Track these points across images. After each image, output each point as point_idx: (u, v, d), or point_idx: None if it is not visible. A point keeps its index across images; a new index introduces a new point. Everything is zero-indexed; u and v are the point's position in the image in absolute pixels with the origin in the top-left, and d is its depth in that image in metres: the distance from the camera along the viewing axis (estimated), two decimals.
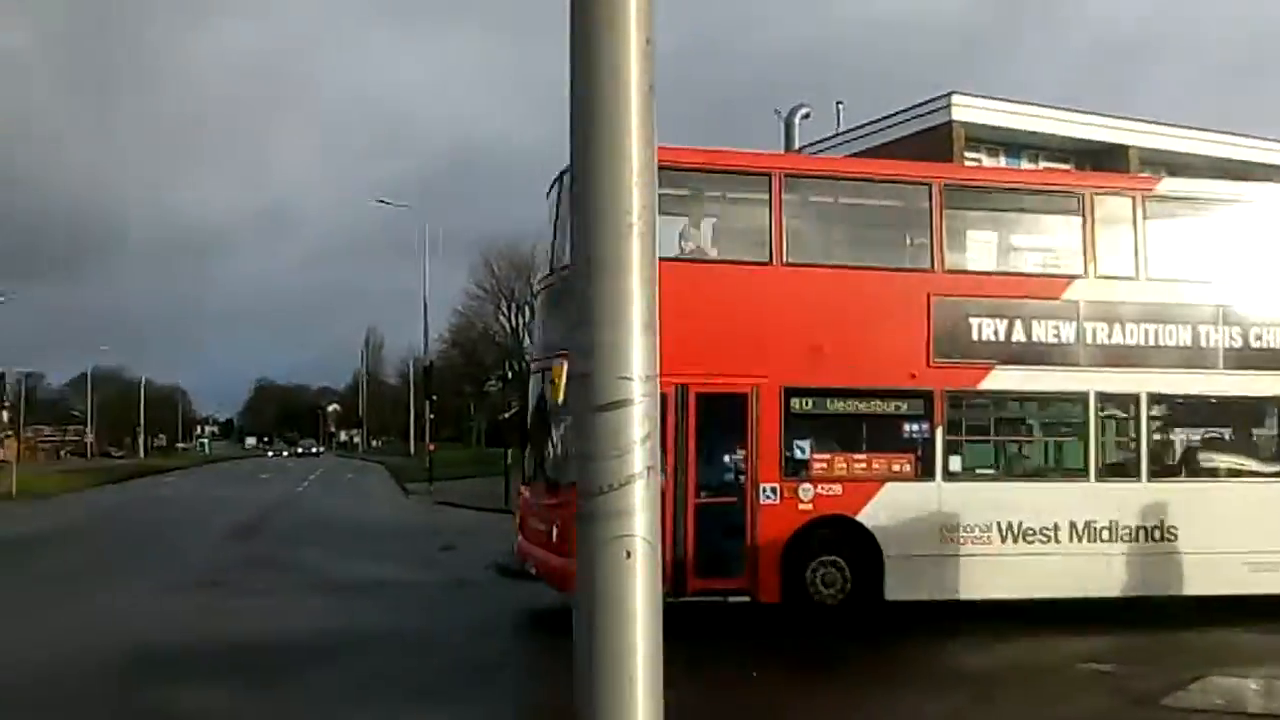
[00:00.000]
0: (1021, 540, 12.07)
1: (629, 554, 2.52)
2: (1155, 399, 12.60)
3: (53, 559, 19.77)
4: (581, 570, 2.55)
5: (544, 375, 12.31)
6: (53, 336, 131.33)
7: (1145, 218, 12.60)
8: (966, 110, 27.69)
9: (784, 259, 11.88)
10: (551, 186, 12.74)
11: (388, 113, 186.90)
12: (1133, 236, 12.57)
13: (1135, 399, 12.46)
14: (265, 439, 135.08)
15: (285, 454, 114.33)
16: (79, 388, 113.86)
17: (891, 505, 11.88)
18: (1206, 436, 13.53)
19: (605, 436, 2.51)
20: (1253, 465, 13.11)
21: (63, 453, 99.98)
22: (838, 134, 31.08)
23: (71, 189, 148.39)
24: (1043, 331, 12.36)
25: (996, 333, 12.26)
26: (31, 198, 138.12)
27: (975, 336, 12.22)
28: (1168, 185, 13.36)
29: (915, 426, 12.17)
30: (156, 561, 19.00)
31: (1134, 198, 12.85)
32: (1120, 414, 12.73)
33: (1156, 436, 12.91)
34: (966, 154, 27.23)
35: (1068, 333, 12.41)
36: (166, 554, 20.27)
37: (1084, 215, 12.55)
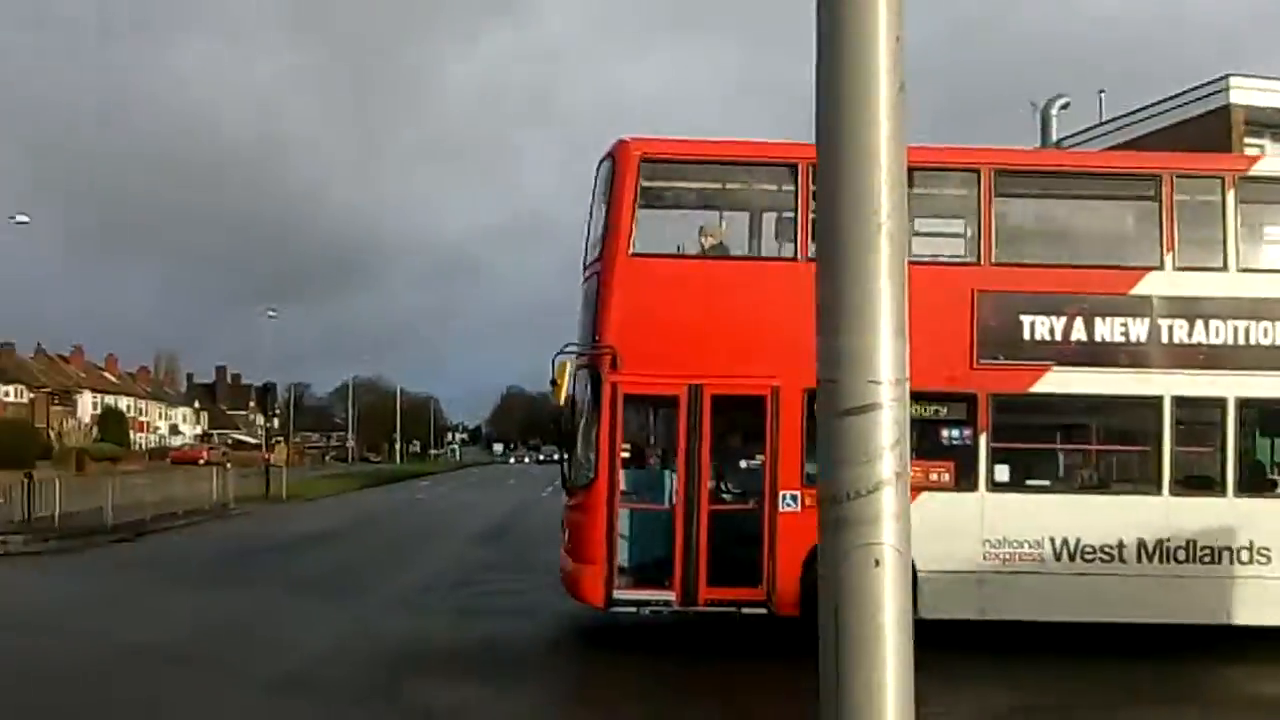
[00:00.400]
0: (1080, 559, 11.16)
1: (877, 562, 2.45)
2: (1246, 404, 11.26)
3: (322, 557, 21.42)
4: (827, 578, 2.50)
5: (574, 371, 12.02)
6: (318, 349, 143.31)
7: (1240, 202, 11.34)
8: (1246, 93, 25.30)
9: (809, 254, 10.81)
10: (601, 163, 11.88)
11: (633, 123, 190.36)
12: (1221, 223, 11.34)
13: (1222, 404, 11.22)
14: (510, 445, 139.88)
15: (528, 460, 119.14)
16: (341, 396, 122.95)
17: (928, 516, 10.35)
18: None
19: (853, 442, 2.46)
20: None
21: (326, 457, 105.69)
22: (1100, 124, 29.18)
23: (336, 209, 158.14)
24: (1108, 329, 11.31)
25: (1053, 331, 11.33)
26: (301, 219, 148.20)
27: (1028, 335, 11.34)
28: (1268, 165, 11.97)
29: (956, 432, 11.41)
30: (415, 561, 20.36)
31: (1223, 179, 11.55)
32: (1203, 421, 11.56)
33: (1247, 446, 11.51)
34: (1247, 140, 25.13)
35: (1139, 330, 11.29)
36: (424, 554, 21.64)
37: (1161, 200, 11.38)
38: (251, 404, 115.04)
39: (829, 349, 2.51)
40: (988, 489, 11.25)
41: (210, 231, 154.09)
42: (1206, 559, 11.04)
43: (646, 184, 11.49)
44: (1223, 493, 11.16)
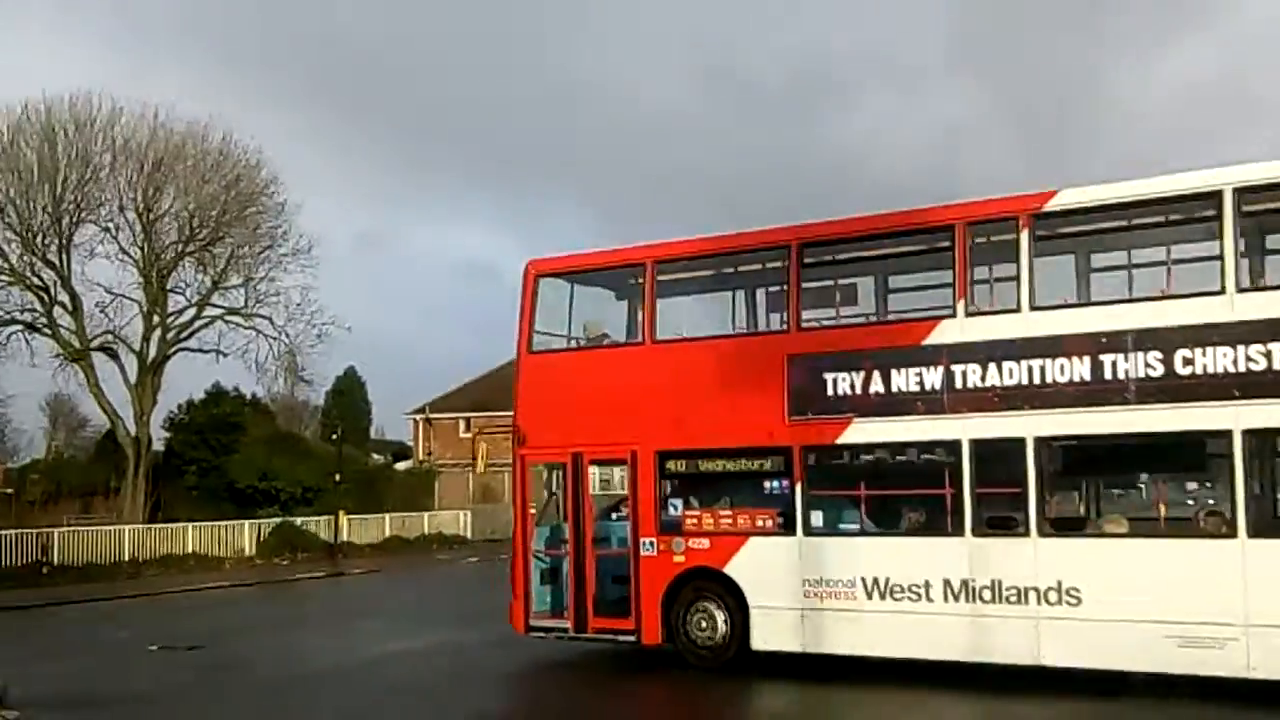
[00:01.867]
0: (889, 598, 11.87)
1: None
2: (1046, 443, 11.34)
3: None
4: None
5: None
6: None
7: (1035, 240, 11.50)
8: None
9: (653, 337, 13.47)
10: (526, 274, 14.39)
11: None
12: (1016, 264, 11.52)
13: (1021, 444, 11.36)
14: None
15: None
16: None
17: (756, 559, 12.63)
18: (1119, 483, 12.59)
19: None
20: (1177, 516, 11.69)
21: None
22: None
23: None
24: (904, 380, 11.96)
25: (853, 385, 12.19)
26: None
27: (831, 391, 12.29)
28: (1066, 198, 11.38)
29: (776, 483, 12.69)
30: None
31: (1018, 219, 11.56)
32: (1004, 462, 11.52)
33: (1050, 485, 11.56)
34: None
35: (933, 378, 11.81)
36: None
37: (955, 249, 11.77)
38: None
39: None
40: (804, 533, 12.39)
41: None
42: (1013, 599, 11.26)
43: (543, 295, 14.26)
44: (1026, 533, 11.28)
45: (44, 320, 37.83)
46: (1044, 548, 11.20)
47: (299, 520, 36.17)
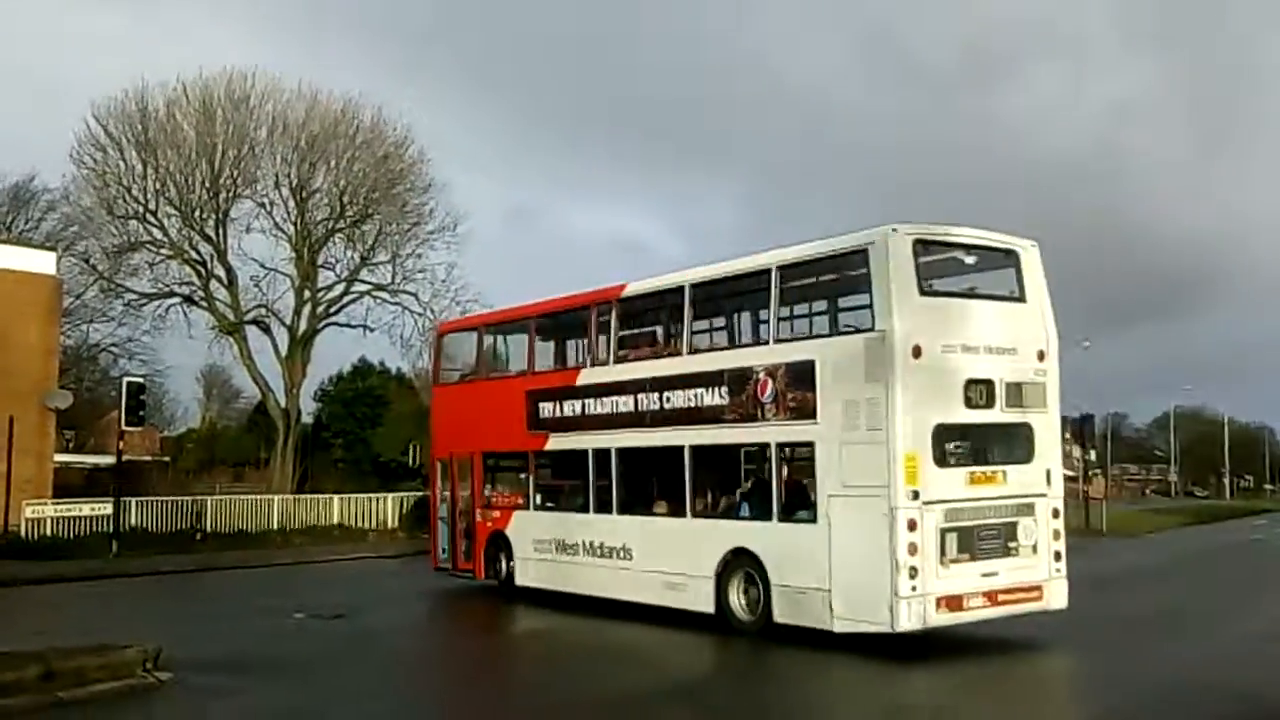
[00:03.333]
0: (567, 553, 17.89)
1: None
2: (621, 452, 16.92)
3: (1146, 594, 21.17)
4: None
5: None
6: (1137, 378, 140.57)
7: (617, 318, 17.18)
8: None
9: (485, 374, 20.32)
10: None
11: None
12: (607, 335, 17.25)
13: (608, 452, 17.09)
14: None
15: None
16: (1161, 427, 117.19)
17: (517, 525, 19.07)
18: (651, 481, 16.79)
19: None
20: (673, 504, 16.15)
21: (1146, 491, 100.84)
22: None
23: (1164, 234, 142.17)
24: (568, 408, 17.85)
25: (550, 411, 18.20)
26: (1126, 247, 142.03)
27: (541, 415, 18.32)
28: (631, 289, 17.09)
29: (523, 475, 19.21)
30: (1252, 607, 19.20)
31: (611, 304, 17.26)
32: (605, 464, 17.18)
33: (626, 480, 17.01)
34: None
35: (576, 407, 17.67)
36: (1263, 600, 20.42)
37: (587, 323, 17.77)
38: (1067, 435, 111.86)
39: None
40: (533, 508, 18.85)
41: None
42: (608, 555, 16.98)
43: (446, 348, 22.53)
44: (610, 512, 17.09)
45: (201, 294, 39.01)
46: (620, 522, 16.85)
47: None
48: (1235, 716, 10.65)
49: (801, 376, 13.90)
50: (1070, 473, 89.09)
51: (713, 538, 15.15)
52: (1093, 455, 54.20)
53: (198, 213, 38.22)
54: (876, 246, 13.29)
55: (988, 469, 13.66)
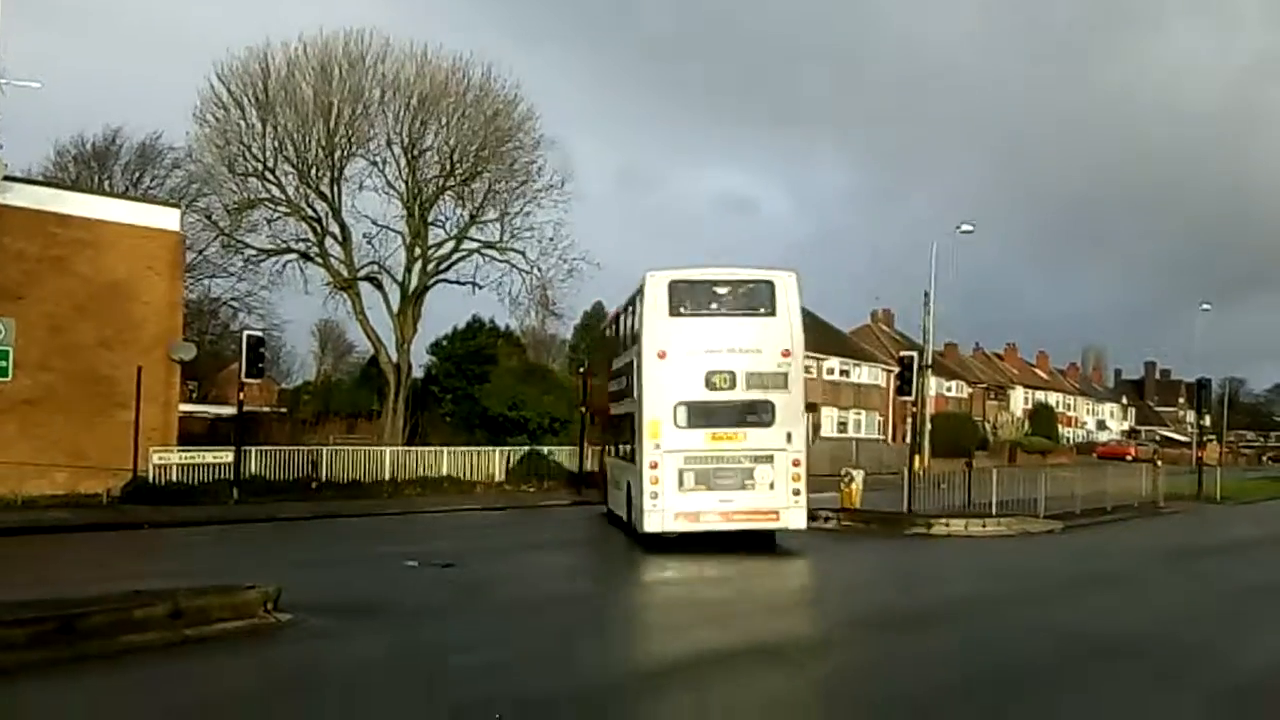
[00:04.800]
0: None
1: None
2: None
3: (1265, 563, 21.75)
4: None
5: None
6: (1255, 344, 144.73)
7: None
8: None
9: None
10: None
11: None
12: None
13: None
14: None
15: None
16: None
17: None
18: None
19: None
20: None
21: (1264, 458, 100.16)
22: None
23: None
24: None
25: None
26: (1259, 209, 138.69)
27: None
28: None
29: None
30: None
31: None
32: None
33: None
34: None
35: None
36: None
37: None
38: (1181, 400, 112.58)
39: None
40: None
41: (1159, 228, 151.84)
42: None
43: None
44: None
45: (316, 250, 39.90)
46: None
47: (546, 449, 37.05)
48: None
49: (624, 372, 22.35)
50: (1183, 438, 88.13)
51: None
52: (1207, 420, 52.79)
53: (314, 171, 38.99)
54: (644, 285, 20.08)
55: (730, 430, 19.42)
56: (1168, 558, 22.16)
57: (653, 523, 19.08)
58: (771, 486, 19.23)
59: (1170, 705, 9.69)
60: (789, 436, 19.47)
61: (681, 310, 19.82)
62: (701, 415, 19.38)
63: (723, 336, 19.71)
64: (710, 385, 19.46)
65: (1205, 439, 47.13)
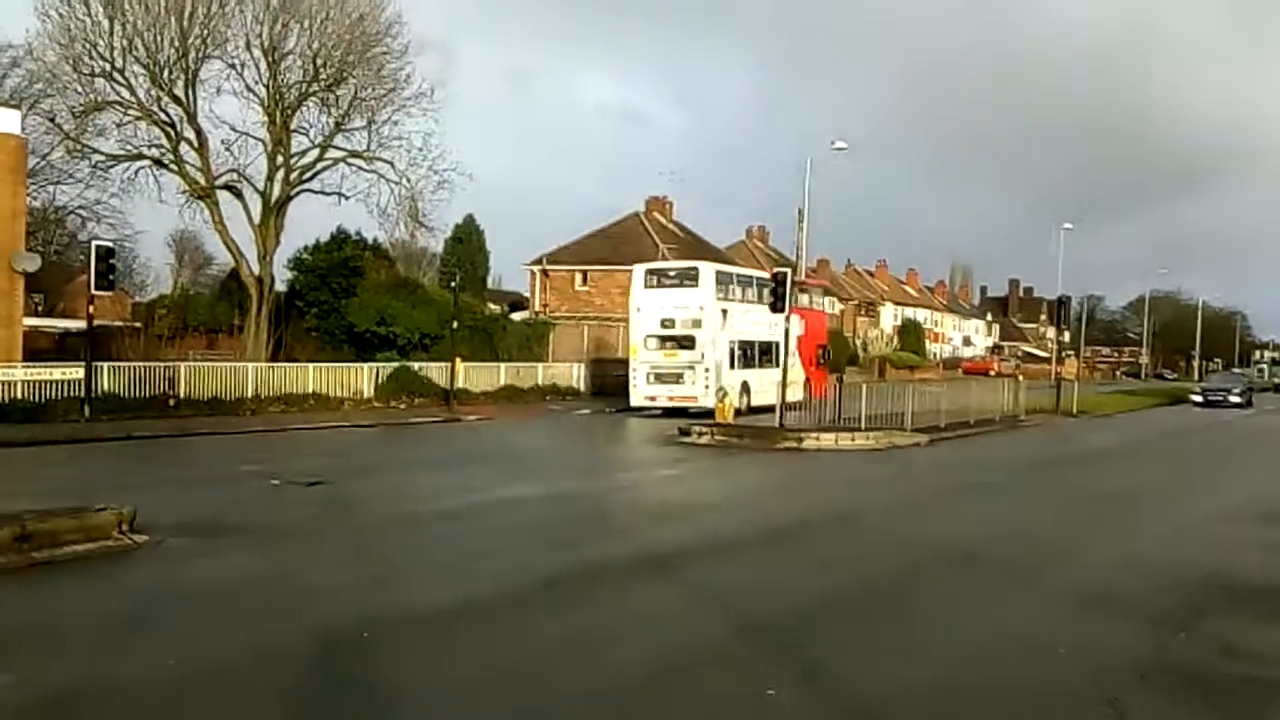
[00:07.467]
0: None
1: None
2: None
3: (1113, 473, 22.68)
4: None
5: None
6: (1113, 263, 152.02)
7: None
8: None
9: None
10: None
11: None
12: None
13: None
14: None
15: None
16: (1135, 310, 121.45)
17: None
18: None
19: None
20: None
21: (1118, 373, 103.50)
22: None
23: (1168, 121, 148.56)
24: None
25: None
26: (1130, 133, 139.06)
27: None
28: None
29: None
30: (1220, 487, 20.47)
31: None
32: None
33: None
34: None
35: None
36: (1228, 480, 21.93)
37: None
38: (1043, 317, 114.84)
39: None
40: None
41: (1036, 150, 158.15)
42: None
43: None
44: None
45: (170, 156, 38.00)
46: None
47: (416, 365, 36.48)
48: (1202, 589, 10.84)
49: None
50: (1044, 354, 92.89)
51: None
52: (1066, 336, 55.10)
53: (166, 73, 36.97)
54: (634, 272, 35.95)
55: (672, 351, 33.51)
56: (1026, 468, 23.09)
57: (635, 400, 33.85)
58: (693, 384, 33.06)
59: (1022, 604, 10.12)
60: (703, 356, 33.04)
61: (650, 285, 34.61)
62: (658, 342, 33.62)
63: (670, 299, 33.82)
64: (663, 325, 33.62)
65: (1064, 355, 49.16)
